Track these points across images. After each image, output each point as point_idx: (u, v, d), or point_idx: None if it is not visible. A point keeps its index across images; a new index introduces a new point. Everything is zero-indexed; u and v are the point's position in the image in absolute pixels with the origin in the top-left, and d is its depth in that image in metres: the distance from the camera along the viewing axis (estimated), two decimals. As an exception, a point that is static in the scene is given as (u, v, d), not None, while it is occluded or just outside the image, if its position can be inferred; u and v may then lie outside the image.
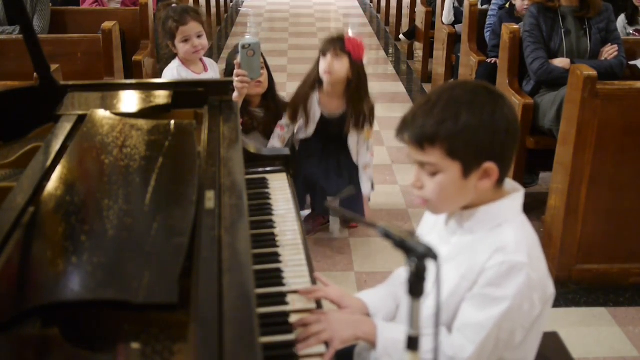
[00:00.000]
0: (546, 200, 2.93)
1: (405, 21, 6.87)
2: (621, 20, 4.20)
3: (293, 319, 1.31)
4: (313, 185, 3.01)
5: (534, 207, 3.11)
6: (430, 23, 5.71)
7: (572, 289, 2.77)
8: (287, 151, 2.06)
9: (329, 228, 3.22)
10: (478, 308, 1.23)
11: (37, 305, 0.96)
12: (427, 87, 5.71)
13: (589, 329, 2.55)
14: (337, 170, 3.07)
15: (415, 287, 0.85)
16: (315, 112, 3.00)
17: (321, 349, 1.25)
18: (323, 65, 2.90)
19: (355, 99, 2.95)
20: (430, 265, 0.85)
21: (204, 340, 0.94)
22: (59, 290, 0.99)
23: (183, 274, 1.02)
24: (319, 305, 1.38)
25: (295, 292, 1.39)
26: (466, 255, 1.27)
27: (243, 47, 2.33)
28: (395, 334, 1.29)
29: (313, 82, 2.99)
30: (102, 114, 1.65)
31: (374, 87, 5.20)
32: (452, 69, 5.04)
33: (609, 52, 3.29)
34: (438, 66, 5.29)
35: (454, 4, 5.10)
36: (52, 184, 1.29)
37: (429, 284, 0.85)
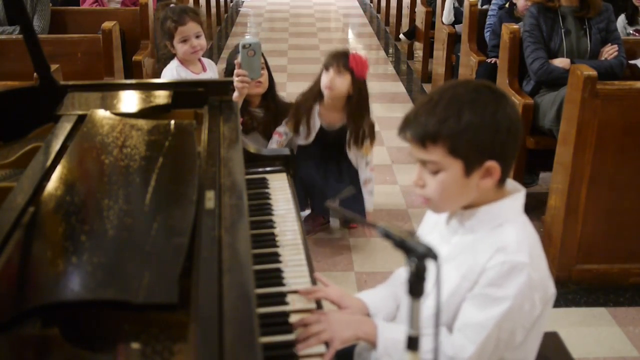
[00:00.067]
0: (546, 200, 2.93)
1: (405, 21, 6.87)
2: (621, 20, 4.20)
3: (293, 319, 1.31)
4: (311, 187, 3.01)
5: (534, 207, 3.10)
6: (430, 23, 5.71)
7: (572, 289, 2.77)
8: (287, 151, 2.06)
9: (329, 227, 3.21)
10: (479, 308, 1.23)
11: (37, 305, 0.96)
12: (427, 87, 5.71)
13: (589, 329, 2.55)
14: (338, 176, 3.06)
15: (415, 287, 0.85)
16: (315, 123, 3.00)
17: (321, 349, 1.25)
18: (325, 79, 2.89)
19: (356, 115, 2.94)
20: (430, 265, 0.85)
21: (204, 340, 0.94)
22: (59, 290, 0.99)
23: (183, 274, 1.02)
24: (319, 305, 1.38)
25: (295, 292, 1.39)
26: (467, 255, 1.27)
27: (243, 47, 2.33)
28: (395, 334, 1.29)
29: (315, 95, 2.98)
30: (102, 114, 1.65)
31: (374, 87, 5.20)
32: (452, 69, 5.03)
33: (609, 52, 3.29)
34: (438, 66, 5.29)
35: (454, 4, 5.10)
36: (52, 184, 1.29)
37: (429, 284, 0.85)
